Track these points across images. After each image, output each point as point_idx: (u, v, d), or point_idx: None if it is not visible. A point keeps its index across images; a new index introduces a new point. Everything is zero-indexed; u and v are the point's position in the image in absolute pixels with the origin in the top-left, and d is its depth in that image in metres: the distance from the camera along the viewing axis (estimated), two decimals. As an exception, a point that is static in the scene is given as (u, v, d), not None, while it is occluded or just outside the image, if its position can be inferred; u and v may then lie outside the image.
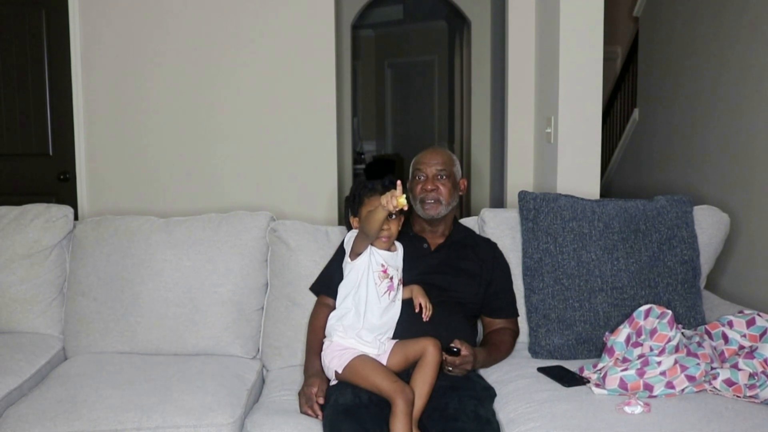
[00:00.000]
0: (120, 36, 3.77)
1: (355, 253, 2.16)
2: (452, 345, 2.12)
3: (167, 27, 3.77)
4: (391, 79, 10.14)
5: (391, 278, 2.18)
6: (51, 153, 3.90)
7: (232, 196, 3.80)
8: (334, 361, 2.13)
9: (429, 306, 2.21)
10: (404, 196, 1.98)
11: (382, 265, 2.16)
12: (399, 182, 2.03)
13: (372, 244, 2.17)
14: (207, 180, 3.84)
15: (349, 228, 2.33)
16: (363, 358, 2.09)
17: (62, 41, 3.78)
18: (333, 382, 2.16)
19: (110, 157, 3.83)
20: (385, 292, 2.16)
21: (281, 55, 3.81)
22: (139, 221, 2.68)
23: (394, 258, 2.22)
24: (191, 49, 3.78)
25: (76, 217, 2.86)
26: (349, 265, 2.20)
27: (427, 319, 2.19)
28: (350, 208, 2.30)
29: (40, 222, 2.69)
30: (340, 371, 2.10)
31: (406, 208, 2.02)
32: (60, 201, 3.48)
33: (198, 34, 3.78)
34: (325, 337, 2.24)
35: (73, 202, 3.78)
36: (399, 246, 2.26)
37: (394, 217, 2.17)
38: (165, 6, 3.76)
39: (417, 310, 2.20)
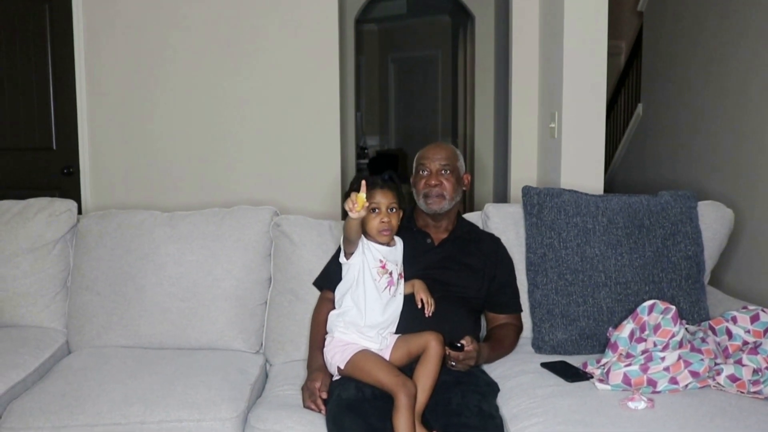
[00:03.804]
0: (123, 29, 3.77)
1: (348, 253, 2.16)
2: (461, 341, 2.11)
3: (171, 21, 3.77)
4: (394, 74, 10.11)
5: (391, 273, 2.17)
6: (55, 147, 3.90)
7: (235, 190, 3.80)
8: (336, 356, 2.12)
9: (431, 302, 2.20)
10: (362, 194, 1.96)
11: (380, 261, 2.15)
12: (363, 182, 2.01)
13: (373, 239, 2.17)
14: (210, 174, 3.84)
15: None
16: (365, 353, 2.09)
17: (66, 35, 3.79)
18: (336, 377, 2.16)
19: (114, 151, 3.83)
20: (386, 288, 2.15)
21: (285, 49, 3.80)
22: (142, 215, 2.69)
23: (393, 252, 2.21)
24: (195, 44, 3.78)
25: (79, 211, 2.86)
26: (345, 265, 2.19)
27: (430, 314, 2.19)
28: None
29: (44, 216, 2.69)
30: (342, 367, 2.10)
31: (367, 205, 1.99)
32: (64, 195, 3.47)
33: (202, 28, 3.78)
34: (327, 333, 2.24)
35: (76, 196, 3.79)
36: (398, 240, 2.26)
37: (394, 210, 2.17)
38: (168, 0, 3.76)
39: (420, 306, 2.20)
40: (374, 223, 2.15)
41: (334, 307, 2.25)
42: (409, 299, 2.22)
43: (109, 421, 2.04)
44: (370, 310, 2.13)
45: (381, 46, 9.97)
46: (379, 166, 8.91)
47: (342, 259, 2.19)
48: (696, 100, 4.66)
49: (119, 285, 2.57)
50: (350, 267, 2.17)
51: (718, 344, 2.20)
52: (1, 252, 2.64)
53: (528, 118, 3.96)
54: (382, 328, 2.15)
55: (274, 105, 3.83)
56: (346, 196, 2.11)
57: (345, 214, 2.10)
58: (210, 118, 3.83)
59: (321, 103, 3.84)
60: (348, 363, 2.09)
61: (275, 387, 2.30)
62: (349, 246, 2.14)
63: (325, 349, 2.19)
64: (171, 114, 3.82)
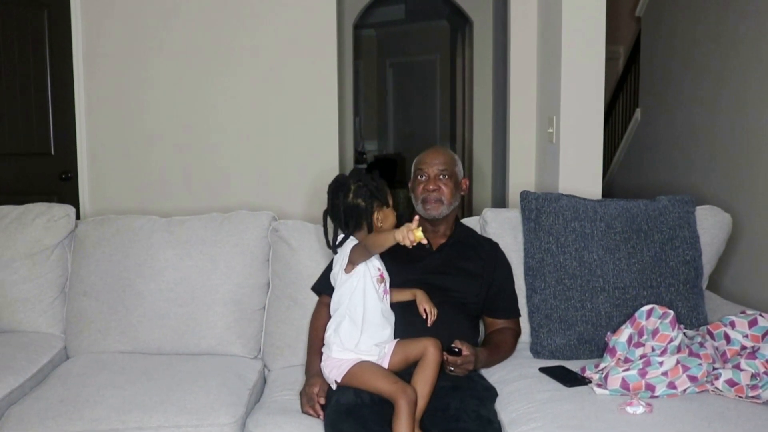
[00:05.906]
0: (122, 35, 3.77)
1: (354, 264, 2.11)
2: (453, 345, 2.11)
3: (169, 27, 3.78)
4: (392, 79, 10.13)
5: (385, 282, 2.17)
6: (53, 152, 3.90)
7: (233, 195, 3.80)
8: (333, 371, 2.10)
9: (434, 311, 2.19)
10: (420, 229, 1.89)
11: (378, 269, 2.15)
12: (417, 217, 1.96)
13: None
14: (209, 179, 3.84)
15: (327, 234, 2.25)
16: (361, 364, 2.07)
17: (64, 41, 3.79)
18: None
19: (112, 156, 3.83)
20: (383, 296, 2.15)
21: (283, 54, 3.81)
22: (140, 221, 2.68)
23: (382, 262, 2.20)
24: (193, 49, 3.79)
25: (77, 217, 2.86)
26: (343, 277, 2.14)
27: (432, 324, 2.18)
28: (355, 221, 2.15)
29: (42, 221, 2.69)
30: (339, 380, 2.08)
31: (425, 242, 1.94)
32: (62, 200, 3.47)
33: (200, 34, 3.78)
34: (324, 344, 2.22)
35: (74, 202, 3.78)
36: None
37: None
38: (167, 6, 3.77)
39: (424, 317, 2.18)
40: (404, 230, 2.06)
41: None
42: (409, 304, 2.22)
43: (108, 427, 2.04)
44: (371, 318, 2.11)
45: (379, 51, 9.99)
46: (378, 170, 8.91)
47: (339, 272, 2.14)
48: (694, 104, 4.67)
49: (117, 290, 2.57)
50: (348, 278, 2.12)
51: (716, 349, 2.20)
52: (-1, 257, 2.64)
53: (526, 123, 3.96)
54: (382, 341, 2.12)
55: (273, 110, 3.84)
56: (351, 218, 2.09)
57: None
58: (208, 124, 3.83)
59: (319, 108, 3.85)
60: (345, 376, 2.06)
61: (273, 392, 2.30)
62: (362, 257, 2.08)
63: (322, 364, 2.16)
64: (169, 120, 3.82)
